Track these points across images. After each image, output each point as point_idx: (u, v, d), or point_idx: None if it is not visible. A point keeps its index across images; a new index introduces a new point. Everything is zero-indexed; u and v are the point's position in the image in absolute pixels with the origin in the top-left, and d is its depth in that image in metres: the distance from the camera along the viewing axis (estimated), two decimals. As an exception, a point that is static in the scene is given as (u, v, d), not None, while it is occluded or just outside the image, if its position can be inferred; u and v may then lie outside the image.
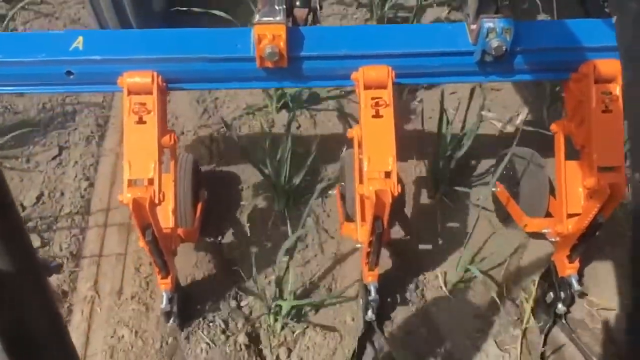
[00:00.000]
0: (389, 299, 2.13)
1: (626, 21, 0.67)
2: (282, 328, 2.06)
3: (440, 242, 2.31)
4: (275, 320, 2.07)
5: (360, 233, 1.88)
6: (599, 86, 1.68)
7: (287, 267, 2.05)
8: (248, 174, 2.51)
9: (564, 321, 2.04)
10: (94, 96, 2.83)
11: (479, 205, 2.23)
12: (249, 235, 2.31)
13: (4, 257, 0.54)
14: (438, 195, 2.40)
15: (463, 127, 2.32)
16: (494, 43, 1.66)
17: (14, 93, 2.38)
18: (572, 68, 1.77)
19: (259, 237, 2.32)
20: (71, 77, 1.72)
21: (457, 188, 2.36)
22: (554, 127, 1.91)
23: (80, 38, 1.73)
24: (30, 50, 1.70)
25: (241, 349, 2.01)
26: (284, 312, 2.04)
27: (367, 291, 1.94)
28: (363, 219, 1.87)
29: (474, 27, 1.71)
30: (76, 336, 2.06)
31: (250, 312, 2.13)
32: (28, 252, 0.60)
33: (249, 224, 2.34)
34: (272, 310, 2.04)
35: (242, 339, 2.03)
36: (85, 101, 2.81)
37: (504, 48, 1.67)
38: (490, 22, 1.66)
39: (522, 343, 2.04)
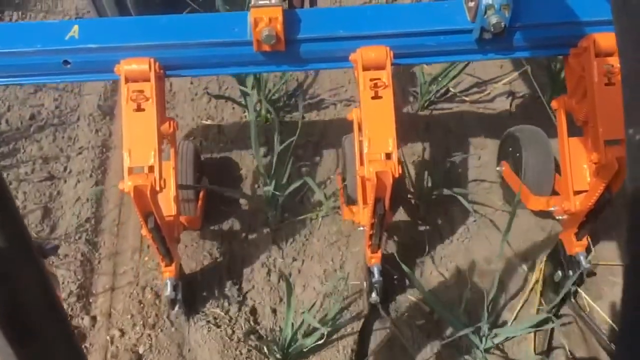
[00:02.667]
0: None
1: None
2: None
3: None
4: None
5: (362, 215, 1.88)
6: (600, 60, 1.66)
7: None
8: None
9: (572, 300, 2.04)
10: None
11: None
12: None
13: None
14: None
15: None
16: (493, 19, 1.64)
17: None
18: (572, 43, 1.75)
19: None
20: (68, 66, 1.71)
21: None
22: (554, 104, 1.89)
23: (76, 27, 1.71)
24: (25, 40, 1.69)
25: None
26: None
27: (371, 273, 1.94)
28: (365, 201, 1.86)
29: (471, 4, 1.69)
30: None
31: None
32: (19, 228, 0.60)
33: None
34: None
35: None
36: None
37: (502, 24, 1.65)
38: (488, -1, 1.64)
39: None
